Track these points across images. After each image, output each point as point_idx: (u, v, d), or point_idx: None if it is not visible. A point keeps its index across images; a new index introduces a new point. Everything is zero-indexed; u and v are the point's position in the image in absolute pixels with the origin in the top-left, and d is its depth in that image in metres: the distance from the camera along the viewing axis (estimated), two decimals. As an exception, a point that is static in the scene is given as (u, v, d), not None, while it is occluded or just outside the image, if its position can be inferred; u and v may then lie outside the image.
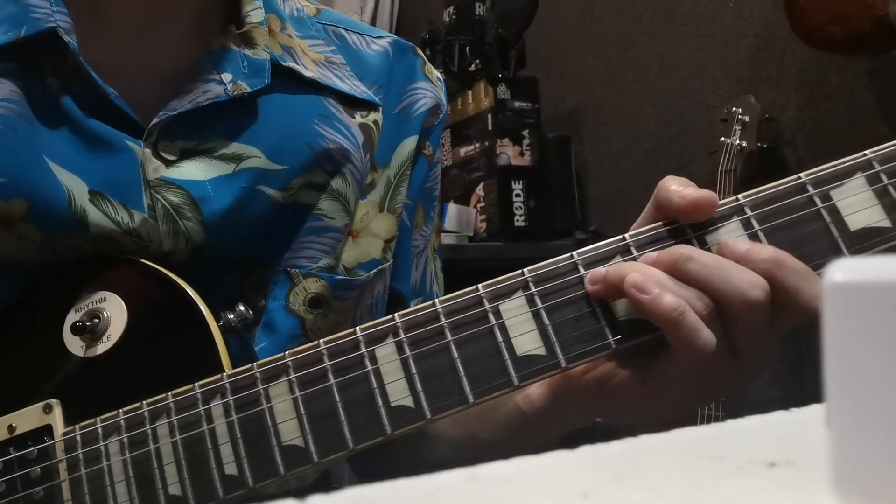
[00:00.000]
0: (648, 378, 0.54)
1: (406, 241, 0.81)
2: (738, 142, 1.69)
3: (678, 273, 0.50)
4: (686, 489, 0.27)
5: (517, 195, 2.18)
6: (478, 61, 2.24)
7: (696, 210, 0.52)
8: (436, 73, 0.84)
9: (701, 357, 0.50)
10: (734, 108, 1.72)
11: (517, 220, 2.17)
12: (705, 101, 2.05)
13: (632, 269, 0.50)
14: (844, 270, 0.24)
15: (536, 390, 0.61)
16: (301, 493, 0.26)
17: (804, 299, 0.49)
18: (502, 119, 2.18)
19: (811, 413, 0.35)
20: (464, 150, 2.29)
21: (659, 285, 0.49)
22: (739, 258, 0.50)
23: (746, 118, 1.70)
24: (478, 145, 2.24)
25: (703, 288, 0.50)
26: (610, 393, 0.56)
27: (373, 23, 3.05)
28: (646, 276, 0.50)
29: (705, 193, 0.52)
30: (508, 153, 2.18)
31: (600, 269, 0.52)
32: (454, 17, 2.33)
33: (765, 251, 0.49)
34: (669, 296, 0.49)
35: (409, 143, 0.79)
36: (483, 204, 2.22)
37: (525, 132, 2.20)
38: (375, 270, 0.76)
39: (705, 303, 0.50)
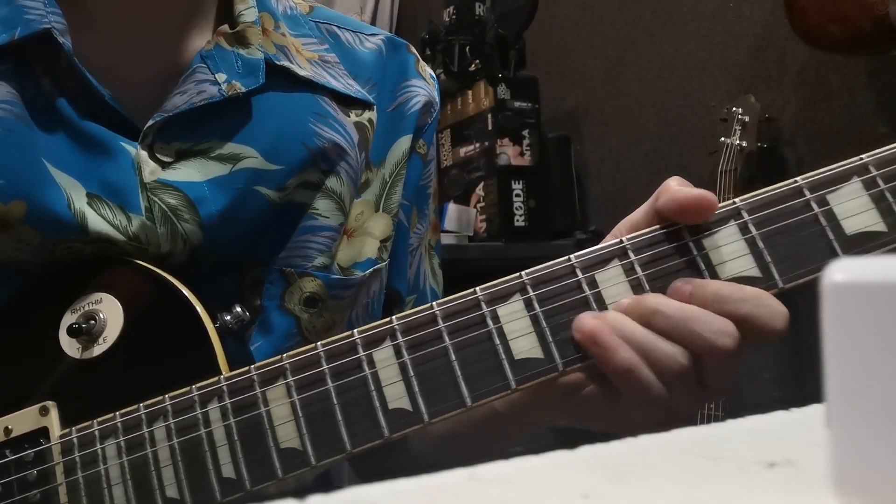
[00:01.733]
0: (619, 397, 0.54)
1: (403, 240, 0.81)
2: (738, 142, 1.69)
3: (650, 326, 0.51)
4: (686, 489, 0.27)
5: (517, 195, 2.18)
6: (478, 61, 2.23)
7: (695, 208, 0.52)
8: (429, 71, 0.84)
9: (653, 404, 0.51)
10: (734, 108, 1.72)
11: (517, 220, 2.17)
12: (705, 101, 2.05)
13: (603, 322, 0.51)
14: (844, 270, 0.24)
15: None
16: (300, 493, 0.26)
17: (759, 324, 0.50)
18: (502, 119, 2.18)
19: (811, 413, 0.35)
20: (464, 150, 2.29)
21: (616, 337, 0.50)
22: (686, 301, 0.50)
23: (746, 118, 1.70)
24: (478, 145, 2.24)
25: (672, 339, 0.50)
26: (580, 402, 0.57)
27: (373, 23, 3.05)
28: (606, 328, 0.50)
29: (705, 194, 0.52)
30: (508, 153, 2.18)
31: (587, 319, 0.51)
32: (454, 17, 2.33)
33: (706, 290, 0.50)
34: (623, 352, 0.50)
35: (404, 142, 0.79)
36: (483, 204, 2.22)
37: (525, 132, 2.20)
38: (371, 270, 0.76)
39: (675, 357, 0.50)
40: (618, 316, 0.51)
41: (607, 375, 0.52)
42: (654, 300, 0.51)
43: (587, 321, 0.51)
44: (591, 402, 0.57)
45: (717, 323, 0.49)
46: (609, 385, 0.54)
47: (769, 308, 0.50)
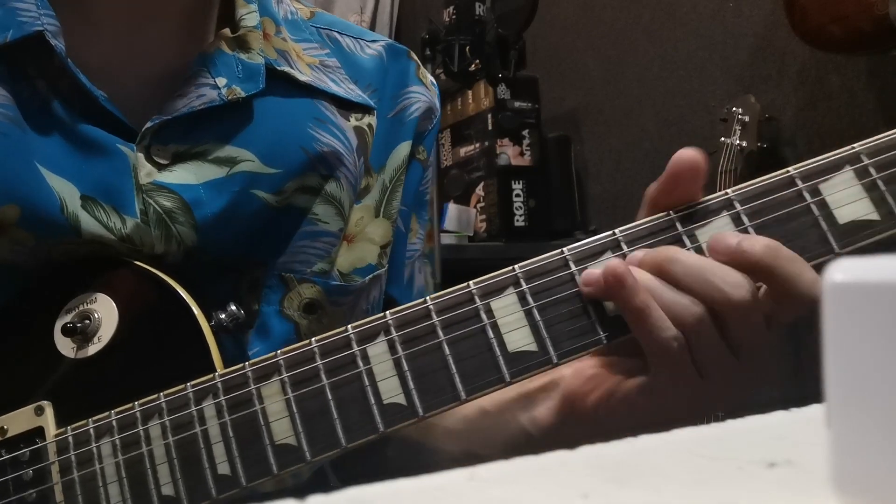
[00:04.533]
0: (655, 389, 0.53)
1: (401, 247, 0.81)
2: (738, 142, 1.69)
3: (664, 276, 0.50)
4: (686, 489, 0.27)
5: (517, 195, 2.18)
6: (478, 61, 2.24)
7: (686, 166, 0.52)
8: (430, 78, 0.84)
9: (669, 359, 0.50)
10: (734, 108, 1.72)
11: (517, 220, 2.17)
12: (705, 101, 2.05)
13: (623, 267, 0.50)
14: (844, 270, 0.24)
15: (543, 413, 0.61)
16: (300, 492, 0.26)
17: (802, 286, 0.49)
18: (502, 119, 2.18)
19: (811, 413, 0.34)
20: (464, 150, 2.29)
21: (635, 280, 0.50)
22: (731, 252, 0.50)
23: (746, 118, 1.70)
24: (478, 145, 2.24)
25: (688, 291, 0.50)
26: (616, 408, 0.56)
27: (373, 23, 3.05)
28: (627, 269, 0.50)
29: (686, 150, 0.53)
30: (508, 153, 2.18)
31: (594, 271, 0.51)
32: (454, 17, 2.33)
33: (757, 242, 0.50)
34: (641, 294, 0.49)
35: (404, 148, 0.79)
36: (483, 204, 2.22)
37: (525, 132, 2.20)
38: (371, 276, 0.75)
39: (687, 306, 0.50)
40: (636, 269, 0.51)
41: (623, 313, 0.51)
42: (672, 251, 0.50)
43: (614, 265, 0.50)
44: (627, 404, 0.55)
45: (733, 275, 0.49)
46: (640, 380, 0.54)
47: (811, 272, 0.49)
